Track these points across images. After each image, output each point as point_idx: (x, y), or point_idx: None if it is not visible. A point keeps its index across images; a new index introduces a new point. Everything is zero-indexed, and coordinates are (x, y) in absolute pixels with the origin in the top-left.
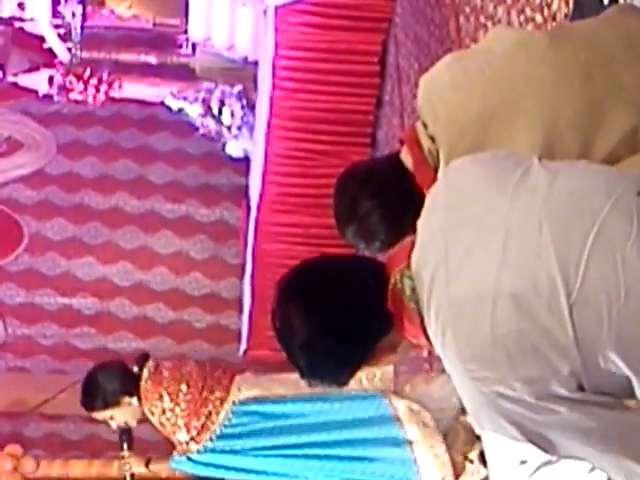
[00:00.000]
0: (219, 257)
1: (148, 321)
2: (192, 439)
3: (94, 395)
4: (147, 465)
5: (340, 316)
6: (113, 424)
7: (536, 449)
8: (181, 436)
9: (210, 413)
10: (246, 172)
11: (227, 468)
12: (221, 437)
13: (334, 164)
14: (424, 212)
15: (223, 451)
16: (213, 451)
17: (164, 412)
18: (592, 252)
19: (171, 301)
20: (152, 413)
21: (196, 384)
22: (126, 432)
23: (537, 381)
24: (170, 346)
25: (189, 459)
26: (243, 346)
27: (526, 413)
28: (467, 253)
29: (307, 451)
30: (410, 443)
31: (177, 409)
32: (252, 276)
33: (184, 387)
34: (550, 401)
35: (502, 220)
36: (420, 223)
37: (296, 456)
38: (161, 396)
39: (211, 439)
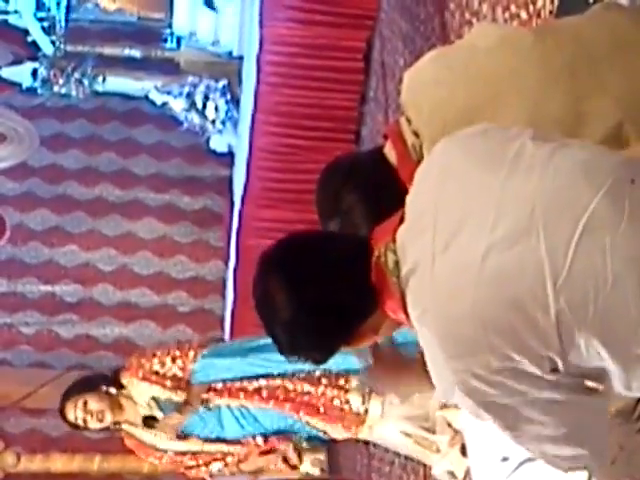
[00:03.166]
0: (203, 240)
1: (131, 306)
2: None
3: (69, 388)
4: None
5: (325, 294)
6: (90, 420)
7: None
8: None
9: None
10: (230, 165)
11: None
12: None
13: (318, 160)
14: (414, 186)
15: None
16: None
17: (154, 355)
18: (582, 237)
19: (155, 285)
20: (141, 366)
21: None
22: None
23: (511, 360)
24: (154, 331)
25: (204, 356)
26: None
27: (496, 393)
28: (456, 229)
29: None
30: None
31: (166, 352)
32: (235, 271)
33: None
34: (522, 381)
35: (494, 198)
36: (409, 198)
37: None
38: (142, 355)
39: None
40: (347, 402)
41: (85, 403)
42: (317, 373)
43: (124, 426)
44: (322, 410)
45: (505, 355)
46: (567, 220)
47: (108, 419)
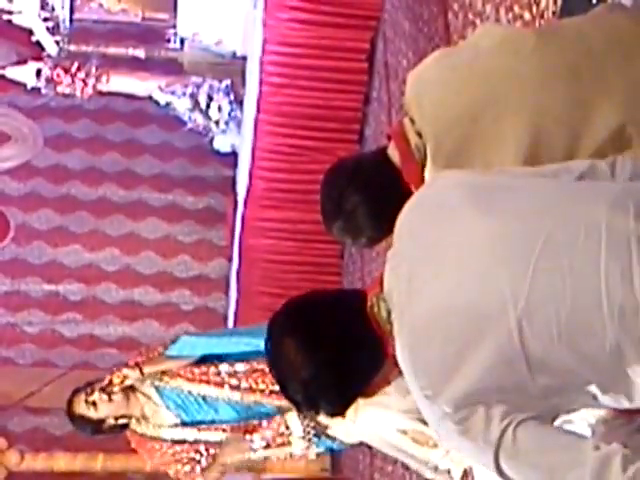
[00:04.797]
0: (207, 240)
1: (135, 304)
2: None
3: (74, 389)
4: (141, 369)
5: (339, 351)
6: (100, 402)
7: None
8: None
9: None
10: (233, 164)
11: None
12: None
13: (321, 160)
14: (394, 236)
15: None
16: None
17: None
18: (539, 261)
19: (158, 283)
20: (140, 354)
21: None
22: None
23: (482, 395)
24: (157, 330)
25: (188, 333)
26: None
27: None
28: (427, 274)
29: None
30: None
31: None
32: (238, 270)
33: None
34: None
35: (458, 241)
36: (391, 249)
37: None
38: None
39: None
40: None
41: (92, 388)
42: None
43: (131, 422)
44: None
45: (475, 389)
46: (525, 248)
47: (118, 398)
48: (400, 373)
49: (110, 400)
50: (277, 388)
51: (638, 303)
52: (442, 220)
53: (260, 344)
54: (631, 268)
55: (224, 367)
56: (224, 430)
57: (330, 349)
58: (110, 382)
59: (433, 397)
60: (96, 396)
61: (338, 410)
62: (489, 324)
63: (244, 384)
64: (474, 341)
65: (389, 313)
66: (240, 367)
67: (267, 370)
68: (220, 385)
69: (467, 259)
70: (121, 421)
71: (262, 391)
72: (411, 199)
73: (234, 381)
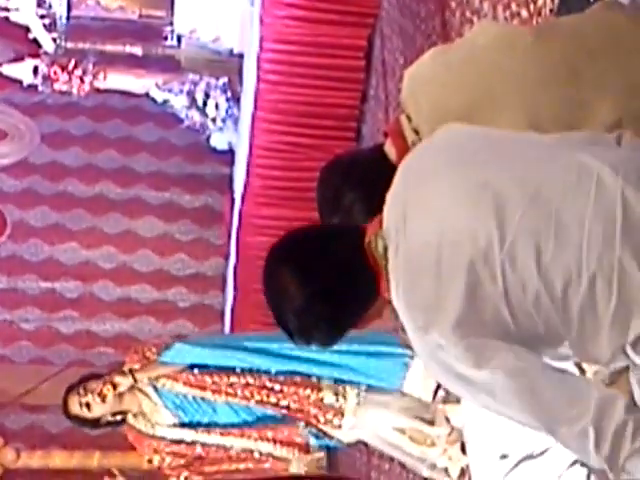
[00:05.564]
0: (204, 239)
1: (132, 302)
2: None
3: (69, 385)
4: (133, 376)
5: (331, 282)
6: (93, 403)
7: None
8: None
9: None
10: (230, 162)
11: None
12: None
13: (318, 158)
14: (395, 178)
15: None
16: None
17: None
18: (529, 207)
19: (155, 281)
20: (136, 352)
21: None
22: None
23: (467, 326)
24: (154, 326)
25: (183, 342)
26: None
27: (456, 363)
28: (422, 212)
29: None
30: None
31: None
32: (235, 268)
33: None
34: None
35: (454, 183)
36: (391, 189)
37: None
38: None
39: None
40: (321, 399)
41: (85, 387)
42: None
43: (128, 417)
44: (295, 406)
45: (464, 317)
46: (515, 195)
47: (110, 398)
48: (393, 309)
49: (104, 402)
50: (273, 400)
51: (615, 255)
52: (439, 164)
53: (254, 361)
54: (614, 223)
55: (219, 378)
56: (225, 434)
57: (324, 281)
58: (101, 391)
59: (425, 328)
60: (89, 398)
61: (330, 341)
62: (477, 264)
63: (239, 394)
64: (461, 275)
65: (385, 249)
66: (234, 379)
67: (260, 385)
68: (217, 392)
69: (462, 201)
70: (119, 417)
71: (257, 402)
72: (416, 146)
73: (230, 390)
